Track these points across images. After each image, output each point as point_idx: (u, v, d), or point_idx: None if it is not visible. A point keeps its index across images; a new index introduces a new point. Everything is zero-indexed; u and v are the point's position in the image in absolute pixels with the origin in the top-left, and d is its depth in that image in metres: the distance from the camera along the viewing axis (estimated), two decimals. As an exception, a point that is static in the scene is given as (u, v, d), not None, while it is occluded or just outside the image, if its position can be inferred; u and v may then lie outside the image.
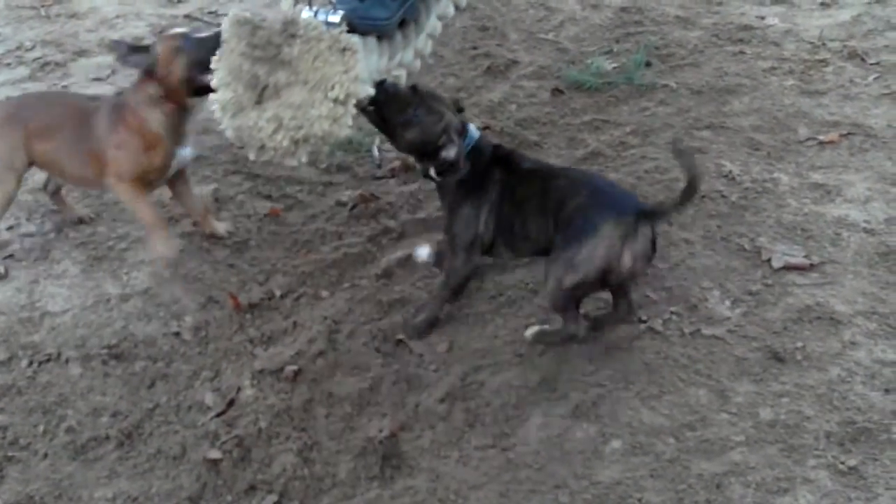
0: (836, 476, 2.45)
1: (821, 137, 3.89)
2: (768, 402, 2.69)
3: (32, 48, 4.86)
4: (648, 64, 4.53)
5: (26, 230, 3.51)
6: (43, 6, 5.31)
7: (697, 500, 2.41)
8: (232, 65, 2.49)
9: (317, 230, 3.46)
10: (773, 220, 3.40)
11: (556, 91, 4.36)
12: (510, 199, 2.83)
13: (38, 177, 3.78)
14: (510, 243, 2.88)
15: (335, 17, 2.61)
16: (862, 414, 2.63)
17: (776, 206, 3.49)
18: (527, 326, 2.95)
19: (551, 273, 2.71)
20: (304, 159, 2.50)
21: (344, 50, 2.49)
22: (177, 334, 3.03)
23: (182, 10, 5.27)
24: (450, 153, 2.76)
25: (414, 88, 2.81)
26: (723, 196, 3.55)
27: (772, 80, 4.36)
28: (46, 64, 4.69)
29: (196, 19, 5.13)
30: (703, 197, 3.53)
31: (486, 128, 4.04)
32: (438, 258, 3.11)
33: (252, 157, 2.52)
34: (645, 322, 2.98)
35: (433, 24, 3.17)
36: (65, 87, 4.49)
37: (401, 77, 2.98)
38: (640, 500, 2.43)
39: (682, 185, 2.58)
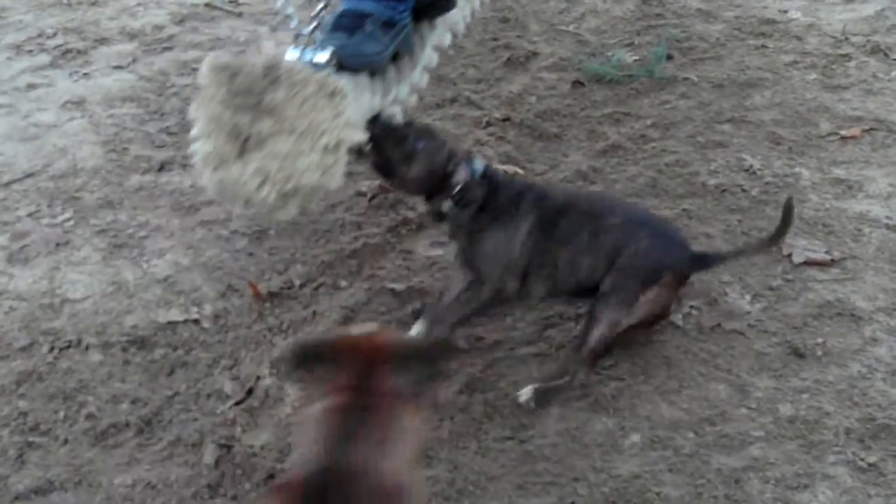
0: (855, 472, 2.44)
1: (843, 132, 3.87)
2: (788, 398, 2.68)
3: (54, 35, 4.87)
4: (670, 57, 4.51)
5: (47, 216, 3.52)
6: (64, -7, 5.32)
7: (716, 495, 2.41)
8: (211, 114, 2.27)
9: (336, 220, 3.46)
10: (794, 215, 3.38)
11: (577, 83, 4.34)
12: (550, 232, 2.69)
13: (59, 163, 3.80)
14: (551, 278, 2.71)
15: (323, 56, 2.48)
16: (882, 411, 2.62)
17: (797, 200, 3.44)
18: (518, 393, 2.75)
19: (606, 315, 2.64)
20: (293, 212, 2.32)
21: (332, 94, 2.29)
22: (196, 322, 3.03)
23: (202, -2, 5.28)
24: (460, 175, 2.66)
25: (407, 123, 2.70)
26: (743, 190, 3.54)
27: (794, 75, 4.34)
28: (68, 51, 4.70)
29: (217, 8, 5.13)
30: (724, 191, 3.52)
31: (506, 119, 4.04)
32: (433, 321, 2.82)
33: (237, 210, 2.37)
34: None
35: (428, 56, 3.09)
36: (86, 74, 4.50)
37: (396, 114, 2.86)
38: (658, 494, 2.42)
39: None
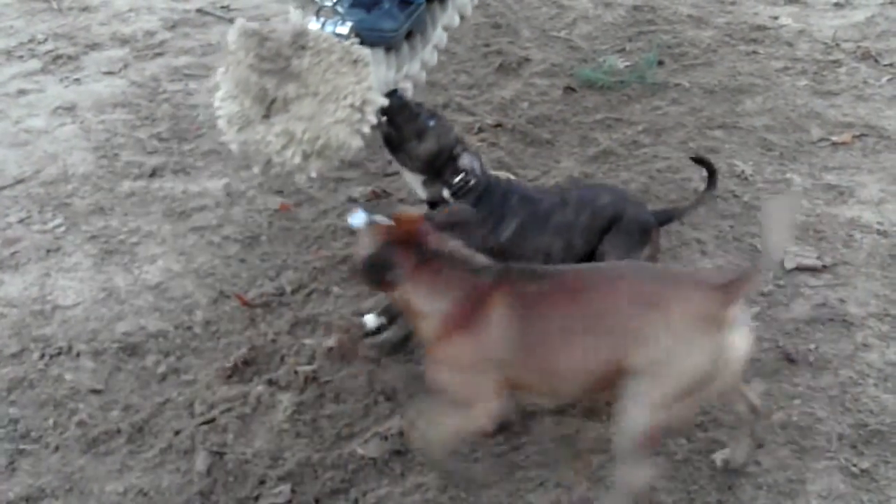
0: (848, 478, 2.44)
1: (834, 138, 3.89)
2: (780, 404, 2.68)
3: (45, 41, 4.87)
4: (661, 63, 4.53)
5: (38, 223, 3.51)
6: (55, -1, 5.32)
7: (709, 501, 2.40)
8: (239, 77, 2.40)
9: (328, 226, 3.46)
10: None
11: (569, 89, 4.35)
12: (543, 226, 2.78)
13: (50, 169, 3.79)
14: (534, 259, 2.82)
15: (343, 29, 2.57)
16: (874, 416, 2.62)
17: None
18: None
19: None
20: (313, 174, 2.41)
21: (356, 61, 2.42)
22: (188, 328, 3.02)
23: (194, 3, 5.28)
24: (465, 161, 2.73)
25: (419, 104, 2.79)
26: (735, 196, 3.54)
27: (785, 81, 4.35)
28: (58, 57, 4.70)
29: (208, 14, 5.13)
30: (716, 197, 3.52)
31: (498, 125, 4.04)
32: None
33: (257, 171, 2.45)
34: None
35: (439, 35, 3.16)
36: (77, 80, 4.49)
37: (408, 89, 2.95)
38: (651, 500, 2.42)
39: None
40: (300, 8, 2.71)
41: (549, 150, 3.89)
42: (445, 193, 2.76)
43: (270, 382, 2.80)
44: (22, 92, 4.40)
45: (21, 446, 2.64)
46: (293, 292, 3.15)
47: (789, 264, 3.18)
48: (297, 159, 2.35)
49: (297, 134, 2.33)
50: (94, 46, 4.81)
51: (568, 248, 2.81)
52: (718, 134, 3.96)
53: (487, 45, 4.74)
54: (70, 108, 4.25)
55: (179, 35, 4.93)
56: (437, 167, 2.76)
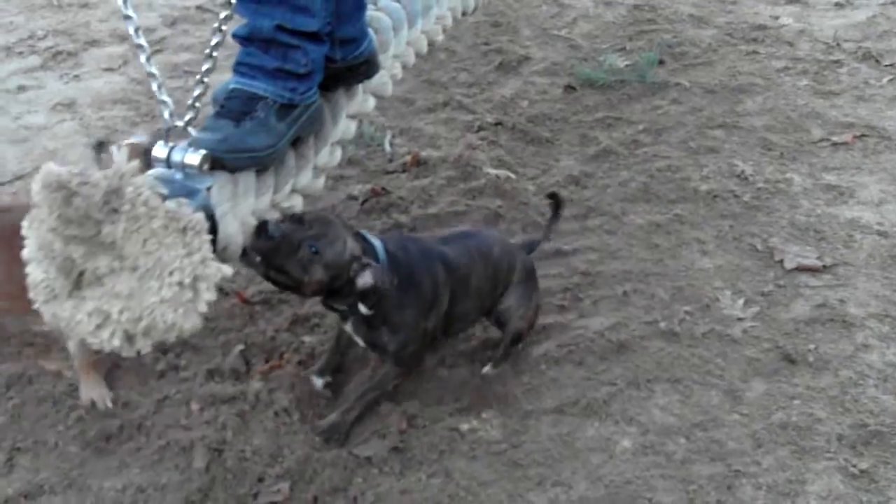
0: (847, 479, 2.44)
1: (834, 138, 3.89)
2: (780, 404, 2.68)
3: (44, 37, 4.86)
4: (661, 62, 4.52)
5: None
6: (55, -5, 5.31)
7: (708, 501, 2.40)
8: (42, 240, 1.87)
9: (328, 224, 3.45)
10: (786, 221, 3.39)
11: (569, 88, 4.35)
12: (465, 291, 2.67)
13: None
14: (462, 323, 2.81)
15: (194, 158, 2.07)
16: (874, 417, 2.62)
17: (789, 206, 3.48)
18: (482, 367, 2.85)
19: (526, 315, 2.83)
20: (145, 350, 1.93)
21: (184, 230, 1.89)
22: (187, 326, 3.01)
23: (193, 0, 5.27)
24: (366, 279, 2.34)
25: (298, 219, 2.33)
26: (735, 196, 3.54)
27: (785, 81, 4.35)
28: (58, 53, 4.69)
29: (208, 10, 5.12)
30: (716, 196, 3.53)
31: (497, 123, 4.04)
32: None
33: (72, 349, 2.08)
34: (657, 322, 2.97)
35: (343, 128, 2.73)
36: (76, 76, 4.49)
37: (295, 206, 2.52)
38: (650, 500, 2.42)
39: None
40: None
41: (548, 149, 3.88)
42: (363, 309, 2.45)
43: (269, 380, 2.79)
44: (21, 88, 4.39)
45: (19, 443, 2.64)
46: (292, 290, 3.14)
47: (789, 265, 3.18)
48: (117, 341, 1.89)
49: (112, 314, 1.86)
50: (94, 43, 4.80)
51: (481, 308, 2.81)
52: (718, 133, 3.96)
53: (487, 44, 4.74)
54: (69, 105, 4.24)
55: (179, 32, 4.92)
56: (336, 289, 2.38)
